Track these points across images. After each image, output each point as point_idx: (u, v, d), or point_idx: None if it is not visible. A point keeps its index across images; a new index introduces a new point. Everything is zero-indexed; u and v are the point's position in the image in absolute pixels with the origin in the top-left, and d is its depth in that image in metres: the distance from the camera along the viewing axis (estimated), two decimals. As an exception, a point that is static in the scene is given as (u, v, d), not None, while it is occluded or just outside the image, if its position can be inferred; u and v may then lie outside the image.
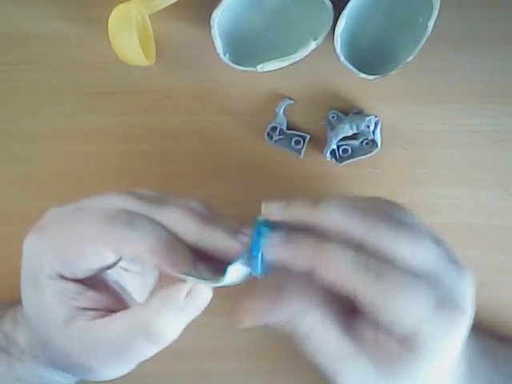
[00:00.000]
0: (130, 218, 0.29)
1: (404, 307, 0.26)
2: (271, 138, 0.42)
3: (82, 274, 0.30)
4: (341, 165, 0.42)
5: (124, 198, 0.30)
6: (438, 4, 0.38)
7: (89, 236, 0.29)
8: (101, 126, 0.43)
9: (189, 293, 0.28)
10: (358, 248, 0.27)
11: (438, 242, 0.29)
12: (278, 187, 0.43)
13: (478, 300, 0.41)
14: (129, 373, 0.43)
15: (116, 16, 0.39)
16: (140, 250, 0.28)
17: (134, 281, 0.35)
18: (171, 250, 0.29)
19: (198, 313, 0.29)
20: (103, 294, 0.31)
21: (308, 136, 0.42)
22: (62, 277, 0.29)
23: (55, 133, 0.43)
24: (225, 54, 0.40)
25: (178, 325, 0.29)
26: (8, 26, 0.43)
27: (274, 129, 0.42)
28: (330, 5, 0.38)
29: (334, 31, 0.39)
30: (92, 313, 0.29)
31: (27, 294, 0.30)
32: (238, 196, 0.43)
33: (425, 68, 0.42)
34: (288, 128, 0.43)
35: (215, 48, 0.39)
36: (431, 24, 0.38)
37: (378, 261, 0.27)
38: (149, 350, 0.29)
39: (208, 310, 0.44)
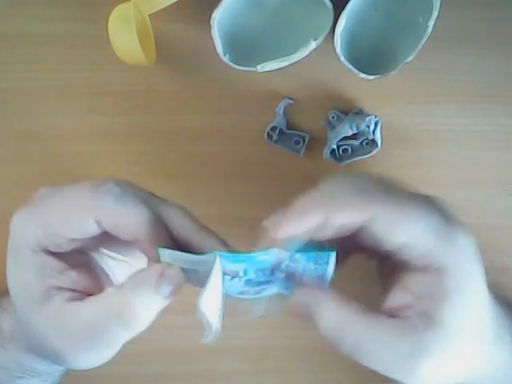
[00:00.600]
0: (119, 192, 0.29)
1: (417, 222, 0.27)
2: (271, 137, 0.42)
3: (65, 246, 0.30)
4: (341, 165, 0.42)
5: (125, 183, 0.31)
6: (438, 4, 0.38)
7: (72, 203, 0.29)
8: (101, 126, 0.43)
9: (162, 274, 0.28)
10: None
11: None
12: (278, 187, 0.43)
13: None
14: (129, 373, 0.44)
15: (116, 16, 0.39)
16: (123, 222, 0.28)
17: (120, 270, 0.34)
18: (155, 229, 0.29)
19: (172, 295, 0.28)
20: (85, 275, 0.30)
21: (308, 136, 0.42)
22: (45, 251, 0.29)
23: (55, 133, 0.43)
24: (225, 54, 0.40)
25: (152, 307, 0.28)
26: (8, 26, 0.43)
27: (273, 129, 0.42)
28: (329, 5, 0.39)
29: (334, 31, 0.39)
30: (69, 293, 0.29)
31: (10, 268, 0.30)
32: (238, 196, 0.43)
33: (425, 68, 0.42)
34: (288, 128, 0.43)
35: (215, 48, 0.39)
36: (431, 24, 0.38)
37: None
38: (122, 335, 0.28)
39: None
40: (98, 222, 0.29)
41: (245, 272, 0.29)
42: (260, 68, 0.40)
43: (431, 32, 0.39)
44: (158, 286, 0.28)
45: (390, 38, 0.41)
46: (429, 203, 0.29)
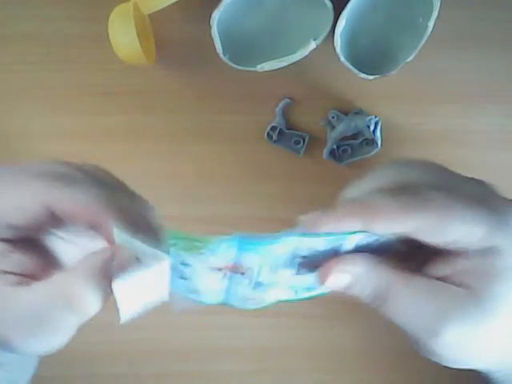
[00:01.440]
0: (69, 173, 0.28)
1: (465, 218, 0.26)
2: (271, 137, 0.42)
3: (7, 233, 0.28)
4: (341, 165, 0.42)
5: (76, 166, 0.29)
6: (438, 4, 0.38)
7: (14, 187, 0.28)
8: (101, 126, 0.43)
9: (111, 258, 0.26)
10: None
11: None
12: (277, 187, 0.43)
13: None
14: (129, 373, 0.44)
15: (116, 16, 0.39)
16: (72, 206, 0.27)
17: (72, 253, 0.32)
18: (110, 206, 0.27)
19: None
20: (31, 258, 0.29)
21: (308, 136, 0.42)
22: None
23: (55, 132, 0.43)
24: (225, 54, 0.40)
25: (101, 293, 0.26)
26: (8, 26, 0.43)
27: (273, 129, 0.42)
28: (329, 5, 0.39)
29: (333, 31, 0.39)
30: (14, 277, 0.27)
31: None
32: (238, 196, 0.43)
33: (425, 68, 0.42)
34: (288, 128, 0.43)
35: (215, 48, 0.39)
36: (431, 24, 0.38)
37: (416, 187, 0.28)
38: (71, 321, 0.27)
39: (208, 310, 0.44)
40: (45, 207, 0.27)
41: (259, 272, 0.27)
42: (260, 68, 0.40)
43: (431, 32, 0.39)
44: (106, 270, 0.26)
45: (389, 38, 0.41)
46: (476, 192, 0.28)
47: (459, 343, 0.27)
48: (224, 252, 0.25)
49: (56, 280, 0.27)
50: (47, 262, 0.29)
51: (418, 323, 0.27)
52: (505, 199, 0.28)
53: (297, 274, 0.28)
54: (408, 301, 0.27)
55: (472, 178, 0.30)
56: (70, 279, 0.26)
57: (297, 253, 0.27)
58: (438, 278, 0.27)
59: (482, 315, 0.26)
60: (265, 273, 0.27)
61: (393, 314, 0.27)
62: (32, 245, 0.29)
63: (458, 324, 0.26)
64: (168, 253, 0.25)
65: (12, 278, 0.27)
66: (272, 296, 0.29)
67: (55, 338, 0.28)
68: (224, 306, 0.29)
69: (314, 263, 0.28)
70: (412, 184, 0.28)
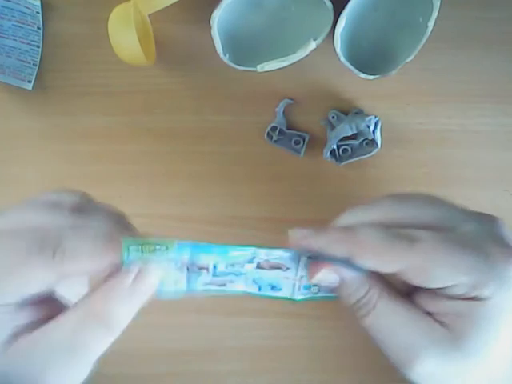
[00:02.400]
0: (59, 241, 0.27)
1: (451, 266, 0.26)
2: (271, 137, 0.42)
3: (14, 300, 0.27)
4: (341, 165, 0.42)
5: (45, 213, 0.28)
6: (438, 4, 0.38)
7: (15, 266, 0.26)
8: (101, 126, 0.43)
9: (136, 276, 0.27)
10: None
11: (448, 201, 0.30)
12: (278, 187, 0.43)
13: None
14: (129, 373, 0.44)
15: (116, 16, 0.39)
16: (83, 267, 0.27)
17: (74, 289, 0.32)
18: (110, 243, 0.27)
19: (148, 295, 0.27)
20: (42, 304, 0.28)
21: (308, 136, 0.42)
22: None
23: (54, 132, 0.43)
24: (225, 54, 0.40)
25: (129, 308, 0.27)
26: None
27: (273, 129, 0.42)
28: (329, 5, 0.39)
29: (334, 31, 0.39)
30: (33, 325, 0.27)
31: None
32: (238, 196, 0.43)
33: (425, 68, 0.42)
34: (288, 128, 0.43)
35: (215, 48, 0.39)
36: (431, 24, 0.38)
37: (407, 229, 0.27)
38: (101, 340, 0.27)
39: (207, 310, 0.44)
40: (49, 287, 0.27)
41: (215, 266, 0.29)
42: (260, 68, 0.40)
43: (431, 32, 0.39)
44: (132, 289, 0.27)
45: (389, 38, 0.41)
46: (473, 234, 0.27)
47: (433, 377, 0.27)
48: (179, 253, 0.28)
49: (84, 303, 0.27)
50: (55, 302, 0.29)
51: (396, 347, 0.27)
52: (504, 243, 0.27)
53: (257, 268, 0.29)
54: (390, 323, 0.27)
55: (477, 214, 0.29)
56: (99, 298, 0.27)
57: (256, 256, 0.29)
58: (425, 312, 0.27)
59: (460, 357, 0.26)
60: (221, 267, 0.29)
61: (372, 329, 0.28)
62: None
63: (433, 359, 0.26)
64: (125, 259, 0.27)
65: (32, 325, 0.27)
66: (237, 286, 0.30)
67: (88, 364, 0.28)
68: (188, 293, 0.29)
69: (273, 264, 0.29)
70: (406, 222, 0.28)
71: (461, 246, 0.26)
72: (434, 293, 0.27)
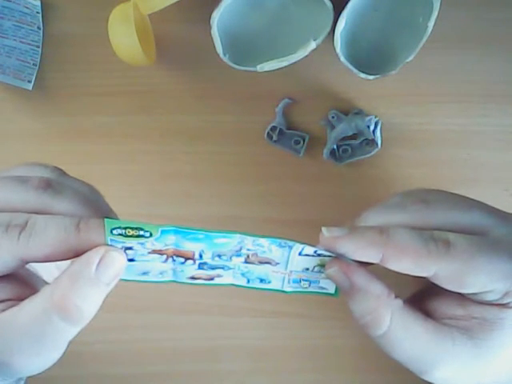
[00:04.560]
0: (25, 222, 0.26)
1: (488, 272, 0.26)
2: (271, 138, 0.42)
3: None
4: (341, 165, 0.42)
5: (14, 189, 0.27)
6: (438, 4, 0.38)
7: None
8: (101, 126, 0.43)
9: (100, 261, 0.26)
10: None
11: (477, 202, 0.29)
12: (278, 187, 0.43)
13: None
14: (129, 373, 0.44)
15: (116, 16, 0.39)
16: (48, 252, 0.26)
17: (47, 268, 0.31)
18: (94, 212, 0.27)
19: (114, 282, 0.27)
20: (14, 281, 0.28)
21: (308, 136, 0.42)
22: None
23: (54, 132, 0.43)
24: (225, 54, 0.40)
25: (95, 297, 0.26)
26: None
27: (273, 129, 0.42)
28: (329, 5, 0.38)
29: (334, 31, 0.39)
30: (1, 305, 0.26)
31: None
32: (238, 196, 0.43)
33: (425, 68, 0.42)
34: (288, 128, 0.43)
35: (215, 48, 0.39)
36: (431, 24, 0.38)
37: (442, 232, 0.27)
38: (68, 331, 0.26)
39: (207, 310, 0.44)
40: (19, 261, 0.26)
41: (200, 255, 0.28)
42: (260, 68, 0.40)
43: (431, 32, 0.39)
44: (97, 275, 0.26)
45: (389, 38, 0.41)
46: (509, 239, 0.27)
47: (449, 380, 0.27)
48: (163, 240, 0.26)
49: (45, 294, 0.26)
50: (29, 280, 0.29)
51: (411, 359, 0.27)
52: None
53: (245, 262, 0.28)
54: (405, 336, 0.27)
55: (507, 216, 0.28)
56: (61, 289, 0.25)
57: (243, 245, 0.27)
58: (447, 316, 0.27)
59: (480, 364, 0.26)
60: (207, 256, 0.28)
61: (384, 343, 0.27)
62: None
63: (451, 367, 0.26)
64: (108, 240, 0.26)
65: (2, 305, 0.26)
66: (224, 278, 0.29)
67: (53, 353, 0.27)
68: (174, 282, 0.29)
69: (262, 258, 0.28)
70: (435, 224, 0.27)
71: (496, 252, 0.26)
72: (461, 297, 0.27)
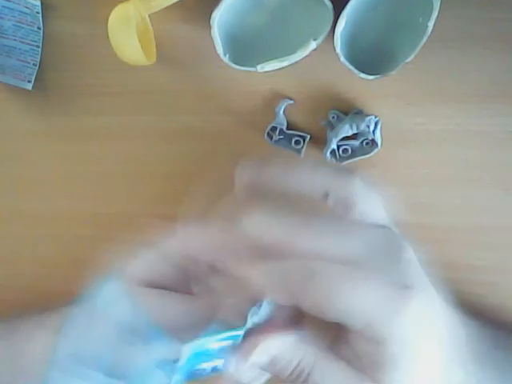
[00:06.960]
0: None
1: (351, 299, 0.25)
2: (271, 138, 0.42)
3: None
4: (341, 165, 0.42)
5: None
6: (438, 4, 0.38)
7: None
8: (101, 126, 0.43)
9: None
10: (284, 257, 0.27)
11: (363, 227, 0.28)
12: (277, 187, 0.43)
13: (477, 300, 0.41)
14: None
15: (116, 16, 0.39)
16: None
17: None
18: None
19: None
20: None
21: (308, 136, 0.42)
22: None
23: (55, 133, 0.43)
24: (225, 54, 0.40)
25: None
26: (8, 26, 0.43)
27: (273, 129, 0.42)
28: (329, 5, 0.38)
29: (334, 31, 0.39)
30: None
31: None
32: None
33: (425, 68, 0.42)
34: (288, 128, 0.43)
35: (215, 48, 0.39)
36: (431, 24, 0.38)
37: (305, 261, 0.26)
38: None
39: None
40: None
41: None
42: (260, 68, 0.40)
43: (431, 32, 0.39)
44: None
45: (389, 38, 0.41)
46: (377, 272, 0.26)
47: None
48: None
49: None
50: None
51: None
52: (404, 284, 0.26)
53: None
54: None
55: (386, 244, 0.28)
56: None
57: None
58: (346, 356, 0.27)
59: None
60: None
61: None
62: None
63: None
64: None
65: None
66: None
67: None
68: None
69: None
70: (306, 249, 0.27)
71: (362, 283, 0.26)
72: (348, 332, 0.27)
